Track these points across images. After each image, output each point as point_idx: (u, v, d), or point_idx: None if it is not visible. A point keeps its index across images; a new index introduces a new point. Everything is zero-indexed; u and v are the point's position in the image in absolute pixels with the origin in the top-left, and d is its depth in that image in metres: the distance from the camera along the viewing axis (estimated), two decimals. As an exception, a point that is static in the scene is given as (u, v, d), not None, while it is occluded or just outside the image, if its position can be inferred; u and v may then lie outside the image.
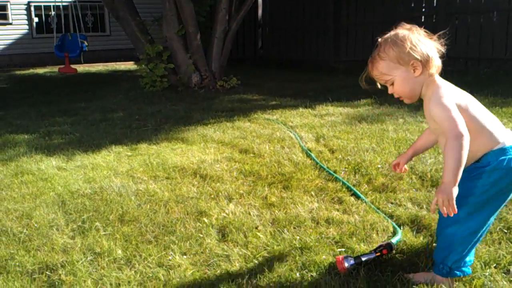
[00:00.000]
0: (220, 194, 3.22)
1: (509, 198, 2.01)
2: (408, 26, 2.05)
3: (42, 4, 14.47)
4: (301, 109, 6.04)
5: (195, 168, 3.75)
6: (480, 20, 9.34)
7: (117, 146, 4.52)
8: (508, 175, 1.94)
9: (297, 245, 2.48)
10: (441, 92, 1.95)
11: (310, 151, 4.09)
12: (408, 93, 2.05)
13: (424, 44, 1.98)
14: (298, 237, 2.56)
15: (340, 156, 3.90)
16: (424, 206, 2.90)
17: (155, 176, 3.63)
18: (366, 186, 3.28)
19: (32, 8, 14.52)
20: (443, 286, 2.06)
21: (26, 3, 14.40)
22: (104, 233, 2.68)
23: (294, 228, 2.69)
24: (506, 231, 2.51)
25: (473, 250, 2.09)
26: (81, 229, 2.75)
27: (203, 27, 8.84)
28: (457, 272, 2.05)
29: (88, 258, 2.42)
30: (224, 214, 2.88)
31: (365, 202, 2.99)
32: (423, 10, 10.39)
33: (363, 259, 2.22)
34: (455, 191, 1.83)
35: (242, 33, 13.04)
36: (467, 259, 2.06)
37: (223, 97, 7.56)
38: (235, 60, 11.61)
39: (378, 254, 2.25)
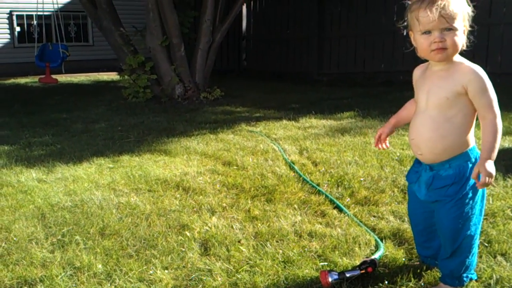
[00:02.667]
0: (202, 207, 3.20)
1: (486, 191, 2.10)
2: None
3: (25, 13, 14.36)
4: (284, 121, 6.06)
5: (177, 180, 3.73)
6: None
7: (99, 158, 4.47)
8: None
9: (280, 259, 2.47)
10: (478, 66, 1.96)
11: (294, 163, 4.10)
12: (457, 49, 1.97)
13: (468, 11, 1.99)
14: (281, 251, 2.55)
15: (323, 169, 3.92)
16: (406, 219, 2.91)
17: (137, 188, 3.60)
18: (348, 199, 3.29)
19: (14, 17, 14.41)
20: None
21: (8, 12, 14.28)
22: (84, 247, 2.64)
23: (277, 241, 2.68)
24: (487, 244, 2.54)
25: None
26: (60, 242, 2.71)
27: (187, 38, 8.85)
28: (473, 277, 2.16)
29: (68, 273, 2.37)
30: (207, 228, 2.86)
31: (348, 215, 3.00)
32: (405, 23, 10.51)
33: (347, 275, 2.21)
34: (493, 167, 1.89)
35: (226, 45, 13.08)
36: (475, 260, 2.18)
37: (206, 108, 7.55)
38: (219, 72, 11.63)
39: (363, 271, 2.24)
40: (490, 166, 1.87)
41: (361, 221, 2.92)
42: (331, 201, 3.23)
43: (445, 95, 1.97)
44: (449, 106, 1.96)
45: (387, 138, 2.39)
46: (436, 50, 1.94)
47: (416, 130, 2.09)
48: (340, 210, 3.09)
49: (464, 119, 1.97)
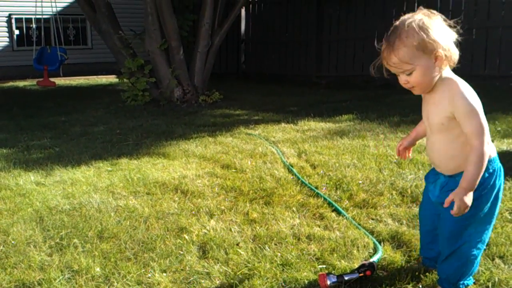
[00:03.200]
0: (201, 210, 3.20)
1: (499, 203, 2.08)
2: (427, 11, 1.92)
3: (24, 16, 14.35)
4: (283, 124, 6.06)
5: (176, 183, 3.73)
6: (459, 37, 9.49)
7: (97, 161, 4.47)
8: (498, 184, 2.00)
9: (278, 262, 2.47)
10: (466, 88, 1.90)
11: (292, 166, 4.10)
12: (426, 84, 1.94)
13: (446, 33, 1.89)
14: (279, 254, 2.55)
15: (321, 172, 3.92)
16: (404, 222, 2.91)
17: (136, 191, 3.60)
18: (347, 201, 3.29)
19: (13, 21, 14.40)
20: None
21: (7, 15, 14.27)
22: (82, 250, 2.64)
23: (275, 244, 2.68)
24: (485, 247, 2.53)
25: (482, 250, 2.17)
26: (59, 246, 2.70)
27: (186, 41, 8.85)
28: (468, 283, 2.15)
29: (66, 276, 2.37)
30: (205, 231, 2.86)
31: (347, 218, 3.00)
32: (404, 26, 10.53)
33: (346, 278, 2.22)
34: (471, 198, 1.88)
35: (225, 48, 13.08)
36: (475, 267, 2.15)
37: (205, 111, 7.55)
38: (217, 75, 11.63)
39: (362, 275, 2.24)
40: (468, 197, 1.88)
41: (359, 224, 2.92)
42: (330, 204, 3.23)
43: (439, 121, 1.98)
44: (448, 129, 1.96)
45: (410, 151, 2.40)
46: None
47: (429, 149, 2.15)
48: (339, 212, 3.09)
49: (457, 142, 1.96)
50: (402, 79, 1.96)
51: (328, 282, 2.18)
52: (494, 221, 2.11)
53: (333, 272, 2.32)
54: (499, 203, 2.08)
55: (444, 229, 2.09)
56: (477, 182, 1.87)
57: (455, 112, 1.89)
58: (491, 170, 1.98)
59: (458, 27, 1.93)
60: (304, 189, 3.54)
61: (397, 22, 1.93)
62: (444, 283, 2.15)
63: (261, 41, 13.40)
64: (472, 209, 1.96)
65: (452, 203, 1.90)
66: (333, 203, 3.23)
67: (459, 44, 1.95)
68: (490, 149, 1.96)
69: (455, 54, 1.91)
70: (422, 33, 1.85)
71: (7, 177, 4.00)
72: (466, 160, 1.89)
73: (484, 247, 2.15)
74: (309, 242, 2.69)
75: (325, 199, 3.31)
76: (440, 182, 2.11)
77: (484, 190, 1.98)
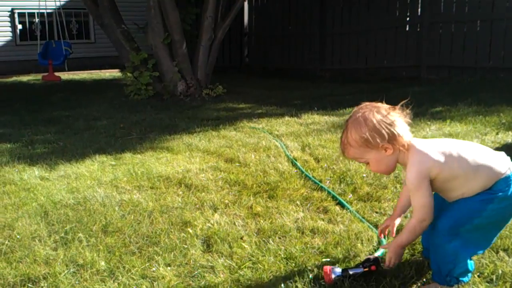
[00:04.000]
0: (205, 204, 3.20)
1: (508, 222, 2.11)
2: (370, 105, 2.06)
3: (26, 11, 14.37)
4: (287, 118, 6.06)
5: (180, 177, 3.73)
6: (463, 29, 9.46)
7: (101, 155, 4.48)
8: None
9: (282, 256, 2.47)
10: (417, 161, 1.99)
11: (296, 160, 4.09)
12: (384, 170, 2.12)
13: (387, 123, 1.99)
14: (283, 248, 2.55)
15: (325, 165, 3.91)
16: (408, 215, 2.90)
17: (140, 186, 3.61)
18: (351, 195, 3.29)
19: (16, 15, 14.42)
20: None
21: (9, 10, 14.29)
22: (87, 244, 2.65)
23: (279, 238, 2.68)
24: (481, 252, 2.53)
25: (478, 253, 2.18)
26: (63, 240, 2.71)
27: (189, 35, 8.84)
28: (463, 279, 2.12)
29: (71, 270, 2.38)
30: (209, 225, 2.86)
31: (350, 211, 3.00)
32: (408, 19, 10.50)
33: (351, 272, 2.21)
34: (403, 253, 2.19)
35: (228, 41, 13.07)
36: (470, 267, 2.12)
37: (208, 105, 7.55)
38: (221, 68, 11.61)
39: (366, 269, 2.24)
40: (400, 252, 2.14)
41: (363, 217, 2.91)
42: (333, 197, 3.23)
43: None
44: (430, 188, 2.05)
45: (394, 227, 2.41)
46: None
47: None
48: (343, 206, 3.09)
49: (462, 180, 2.00)
50: (366, 167, 2.14)
51: (333, 276, 2.18)
52: (499, 231, 2.11)
53: (337, 266, 2.32)
54: (503, 227, 2.11)
55: (441, 222, 2.08)
56: (410, 242, 2.15)
57: (408, 189, 2.04)
58: (510, 188, 1.99)
59: (407, 110, 2.05)
60: (308, 183, 3.54)
61: (347, 119, 2.08)
62: (435, 276, 2.15)
63: (264, 34, 13.37)
64: (474, 211, 1.99)
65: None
66: (337, 196, 3.23)
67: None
68: (503, 167, 2.00)
69: (404, 137, 2.00)
70: (362, 130, 1.99)
71: (11, 171, 4.02)
72: (407, 224, 2.11)
73: (480, 252, 2.14)
74: (313, 236, 2.69)
75: (328, 192, 3.31)
76: None
77: (492, 201, 1.99)
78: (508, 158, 2.07)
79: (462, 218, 2.02)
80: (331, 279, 2.17)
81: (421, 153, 2.01)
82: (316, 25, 11.99)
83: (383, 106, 2.04)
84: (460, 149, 2.03)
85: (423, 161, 1.99)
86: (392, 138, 1.98)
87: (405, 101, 2.08)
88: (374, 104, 2.06)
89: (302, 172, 3.75)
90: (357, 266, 2.27)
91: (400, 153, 2.03)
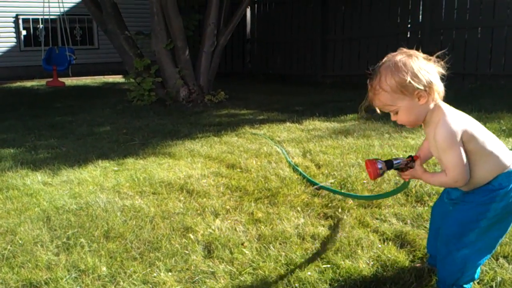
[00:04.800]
0: (206, 209, 3.22)
1: None
2: (407, 51, 1.98)
3: (30, 17, 14.44)
4: (288, 124, 6.07)
5: (181, 183, 3.75)
6: (464, 36, 9.48)
7: (104, 160, 4.50)
8: None
9: (283, 262, 2.49)
10: (449, 121, 1.93)
11: (297, 166, 4.11)
12: (413, 121, 2.03)
13: (426, 70, 1.93)
14: (283, 253, 2.57)
15: (326, 171, 3.93)
16: (409, 222, 2.92)
17: (142, 191, 3.63)
18: (351, 201, 3.30)
19: (20, 21, 14.49)
20: None
21: (14, 16, 14.36)
22: (89, 249, 2.67)
23: (280, 244, 2.70)
24: (485, 259, 2.54)
25: (484, 261, 2.15)
26: (65, 245, 2.73)
27: (191, 41, 8.89)
28: (467, 287, 2.12)
29: (73, 275, 2.40)
30: (210, 230, 2.88)
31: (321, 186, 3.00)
32: (409, 26, 10.52)
33: (395, 163, 2.17)
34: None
35: (231, 47, 13.10)
36: (476, 276, 2.14)
37: (211, 111, 7.58)
38: (223, 74, 11.65)
39: (409, 159, 2.18)
40: (418, 174, 2.14)
41: (363, 223, 2.93)
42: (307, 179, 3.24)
43: (439, 159, 2.06)
44: (437, 156, 2.05)
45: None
46: None
47: None
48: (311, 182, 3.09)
49: (477, 156, 1.96)
50: (392, 117, 2.05)
51: (380, 166, 2.13)
52: (502, 236, 2.09)
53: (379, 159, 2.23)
54: (510, 224, 2.07)
55: (446, 229, 2.10)
56: (432, 184, 2.15)
57: (437, 145, 1.96)
58: (507, 186, 1.97)
59: (442, 62, 1.98)
60: (309, 189, 3.55)
61: (379, 64, 1.99)
62: (440, 284, 2.16)
63: (266, 40, 13.41)
64: (478, 214, 1.98)
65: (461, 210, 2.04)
66: (298, 168, 3.24)
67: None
68: (507, 160, 1.97)
69: (439, 88, 1.96)
70: (400, 75, 1.91)
71: (14, 177, 4.04)
72: (439, 173, 2.06)
73: (485, 258, 2.11)
74: (313, 242, 2.71)
75: (305, 177, 3.31)
76: (457, 194, 2.14)
77: (494, 199, 1.98)
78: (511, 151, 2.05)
79: (467, 222, 2.01)
80: (378, 170, 2.14)
81: (453, 114, 1.96)
82: (318, 31, 12.01)
83: (421, 54, 1.97)
84: (480, 129, 1.98)
85: (455, 122, 1.93)
86: (429, 86, 1.92)
87: (441, 52, 2.00)
88: (410, 50, 1.99)
89: (301, 174, 3.76)
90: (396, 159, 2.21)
91: (430, 108, 1.97)
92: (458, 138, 1.91)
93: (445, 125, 1.92)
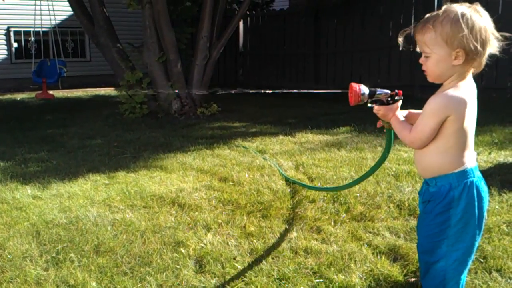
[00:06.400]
0: (198, 223, 3.19)
1: (485, 212, 1.98)
2: (481, 9, 1.86)
3: (22, 29, 14.43)
4: (281, 137, 6.07)
5: (173, 196, 3.72)
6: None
7: (95, 174, 4.46)
8: (475, 197, 1.92)
9: (275, 276, 2.46)
10: (449, 95, 1.86)
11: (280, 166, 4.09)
12: (435, 75, 1.92)
13: (484, 36, 1.83)
14: (276, 268, 2.54)
15: (319, 184, 3.91)
16: (402, 235, 2.91)
17: (133, 205, 3.59)
18: (344, 215, 3.28)
19: (12, 33, 14.47)
20: None
21: (5, 28, 14.35)
22: (78, 264, 2.63)
23: (272, 258, 2.67)
24: (482, 260, 2.53)
25: (465, 273, 2.06)
26: (55, 260, 2.69)
27: (184, 54, 8.88)
28: None
29: (62, 291, 2.36)
30: (202, 245, 2.85)
31: (293, 181, 2.99)
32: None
33: (378, 92, 2.10)
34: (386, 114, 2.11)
35: (223, 60, 13.13)
36: (461, 285, 2.07)
37: (203, 124, 7.56)
38: (216, 87, 11.64)
39: (394, 93, 2.11)
40: (383, 115, 2.12)
41: (356, 236, 2.91)
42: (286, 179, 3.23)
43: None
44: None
45: None
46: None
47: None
48: (286, 180, 3.09)
49: (445, 141, 1.90)
50: (421, 59, 1.95)
51: (362, 91, 2.08)
52: (477, 240, 1.99)
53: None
54: (482, 219, 1.96)
55: (419, 246, 2.05)
56: (394, 126, 2.09)
57: (425, 106, 1.91)
58: (462, 184, 1.91)
59: (503, 43, 1.88)
60: (302, 202, 3.53)
61: (446, 7, 1.86)
62: None
63: (259, 53, 13.47)
64: (440, 224, 1.93)
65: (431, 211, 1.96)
66: (280, 169, 3.22)
67: (497, 60, 1.92)
68: (467, 159, 1.92)
69: (481, 61, 1.87)
70: (455, 26, 1.80)
71: (3, 190, 3.99)
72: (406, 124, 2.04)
73: (466, 267, 2.02)
74: (306, 256, 2.68)
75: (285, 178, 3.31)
76: (421, 192, 2.09)
77: (450, 205, 1.92)
78: (475, 153, 1.99)
79: (432, 234, 1.95)
80: (359, 98, 2.10)
81: (459, 97, 1.86)
82: (311, 44, 12.09)
83: (484, 12, 1.87)
84: (470, 123, 1.91)
85: (454, 100, 1.85)
86: (474, 53, 1.81)
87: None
88: (474, 5, 1.86)
89: (288, 179, 3.75)
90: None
91: (458, 72, 1.88)
92: (444, 114, 1.85)
93: (444, 97, 1.87)
